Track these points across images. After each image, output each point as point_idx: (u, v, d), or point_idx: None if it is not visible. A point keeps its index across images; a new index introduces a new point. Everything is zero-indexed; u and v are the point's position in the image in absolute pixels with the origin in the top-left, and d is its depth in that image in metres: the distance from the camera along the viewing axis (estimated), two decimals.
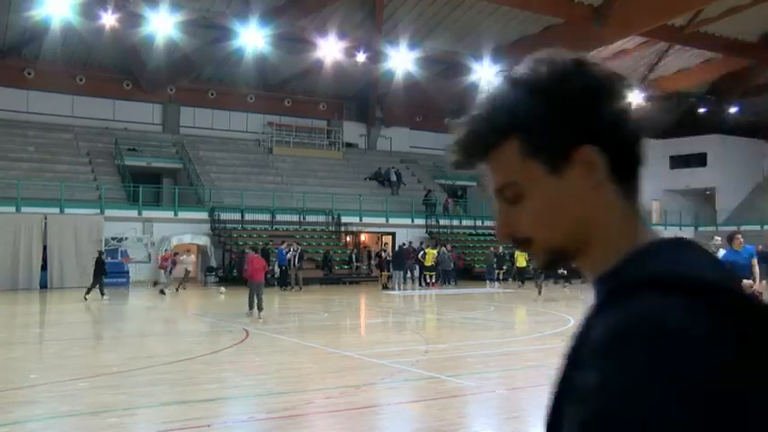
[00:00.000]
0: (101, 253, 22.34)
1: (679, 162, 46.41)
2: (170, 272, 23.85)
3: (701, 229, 43.34)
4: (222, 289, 24.29)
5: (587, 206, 0.87)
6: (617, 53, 36.46)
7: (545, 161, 0.86)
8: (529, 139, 0.86)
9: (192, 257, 25.33)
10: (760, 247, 26.52)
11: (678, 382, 0.70)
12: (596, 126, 0.86)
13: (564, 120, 0.86)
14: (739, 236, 11.77)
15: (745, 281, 11.33)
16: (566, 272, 25.02)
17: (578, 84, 0.87)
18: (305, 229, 32.05)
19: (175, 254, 25.57)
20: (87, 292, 20.95)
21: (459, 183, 41.49)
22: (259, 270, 16.57)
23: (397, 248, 30.41)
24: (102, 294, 21.03)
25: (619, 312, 0.77)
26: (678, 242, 0.87)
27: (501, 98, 0.89)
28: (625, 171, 0.88)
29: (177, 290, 23.46)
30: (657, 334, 0.73)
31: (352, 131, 41.55)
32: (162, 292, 22.84)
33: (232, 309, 18.82)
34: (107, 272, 22.08)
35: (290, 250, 26.16)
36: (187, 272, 24.86)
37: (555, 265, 0.94)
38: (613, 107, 0.87)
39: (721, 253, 12.36)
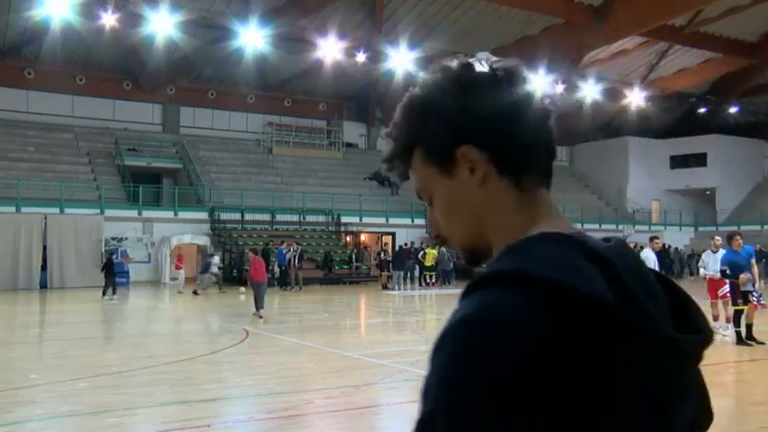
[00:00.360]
0: (111, 253, 22.42)
1: (679, 162, 46.43)
2: (202, 272, 23.77)
3: (700, 229, 43.36)
4: (242, 289, 24.09)
5: (478, 203, 0.91)
6: (617, 53, 36.48)
7: (436, 165, 0.92)
8: (423, 147, 0.93)
9: (217, 258, 25.27)
10: (759, 246, 26.57)
11: (478, 378, 0.72)
12: (470, 125, 0.90)
13: (441, 124, 0.91)
14: (738, 237, 11.89)
15: (742, 275, 11.51)
16: None
17: (450, 88, 0.92)
18: (305, 229, 32.05)
19: (210, 255, 25.45)
20: (104, 293, 21.06)
21: None
22: (260, 270, 16.63)
23: (397, 248, 30.41)
24: (114, 293, 21.14)
25: (456, 309, 0.79)
26: (549, 237, 0.86)
27: (399, 114, 0.97)
28: (514, 165, 0.90)
29: (196, 292, 23.22)
30: (472, 329, 0.75)
31: (352, 131, 41.55)
32: (195, 292, 22.76)
33: (233, 309, 18.83)
34: (116, 272, 22.03)
35: (289, 250, 26.15)
36: (219, 271, 24.90)
37: (475, 262, 0.97)
38: (488, 106, 0.90)
39: (721, 253, 12.47)
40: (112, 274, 21.33)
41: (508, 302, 0.76)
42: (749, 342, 11.46)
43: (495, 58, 0.95)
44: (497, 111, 0.90)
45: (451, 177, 0.91)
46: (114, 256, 22.55)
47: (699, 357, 0.88)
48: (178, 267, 24.53)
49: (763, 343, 11.40)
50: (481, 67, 0.93)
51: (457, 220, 0.94)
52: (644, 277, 0.86)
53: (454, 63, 0.95)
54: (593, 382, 0.73)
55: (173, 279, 27.42)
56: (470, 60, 0.94)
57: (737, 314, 11.66)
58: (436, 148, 0.92)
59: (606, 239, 0.93)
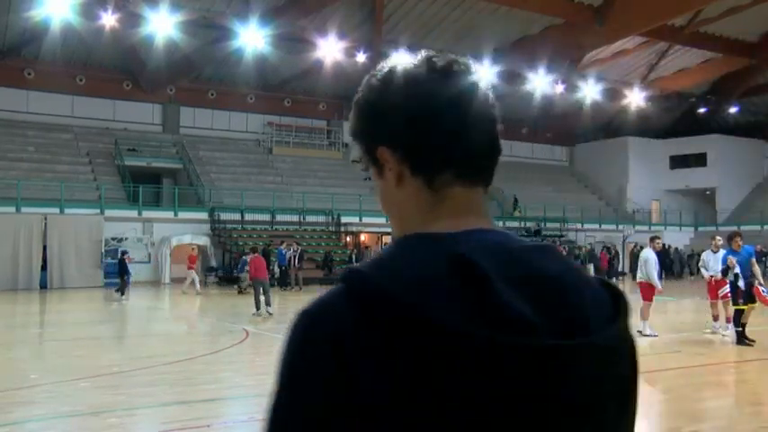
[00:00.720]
0: (123, 253, 22.40)
1: (679, 162, 46.42)
2: (240, 271, 23.42)
3: (700, 229, 43.34)
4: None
5: (397, 202, 0.95)
6: (617, 53, 36.47)
7: (371, 164, 0.96)
8: (361, 148, 0.98)
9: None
10: (759, 247, 26.57)
11: (282, 362, 0.83)
12: (383, 127, 0.93)
13: (365, 125, 0.96)
14: (738, 237, 12.01)
15: (730, 257, 11.71)
16: None
17: (377, 89, 0.95)
18: (305, 230, 32.04)
19: (244, 253, 24.84)
20: (122, 294, 21.06)
21: None
22: (261, 268, 16.69)
23: None
24: (122, 294, 21.17)
25: None
26: (413, 239, 0.87)
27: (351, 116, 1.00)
28: (425, 165, 0.91)
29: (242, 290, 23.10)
30: (296, 319, 0.84)
31: None
32: (241, 290, 22.68)
33: (233, 309, 18.82)
34: (129, 272, 21.97)
35: (289, 250, 26.14)
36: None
37: None
38: (402, 107, 0.91)
39: (721, 253, 12.53)
40: (125, 273, 21.33)
41: (327, 301, 0.83)
42: (749, 342, 11.47)
43: (438, 57, 0.95)
44: (410, 112, 0.91)
45: (381, 177, 0.95)
46: (126, 257, 22.43)
47: (606, 363, 0.84)
48: (190, 268, 24.21)
49: (754, 341, 11.44)
50: (415, 66, 0.95)
51: (390, 217, 0.98)
52: (540, 285, 0.83)
53: (390, 62, 0.97)
54: (380, 385, 0.76)
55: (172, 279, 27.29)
56: (406, 59, 0.96)
57: (738, 314, 11.68)
58: (365, 149, 0.96)
59: (521, 242, 0.91)
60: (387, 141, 0.92)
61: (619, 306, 0.89)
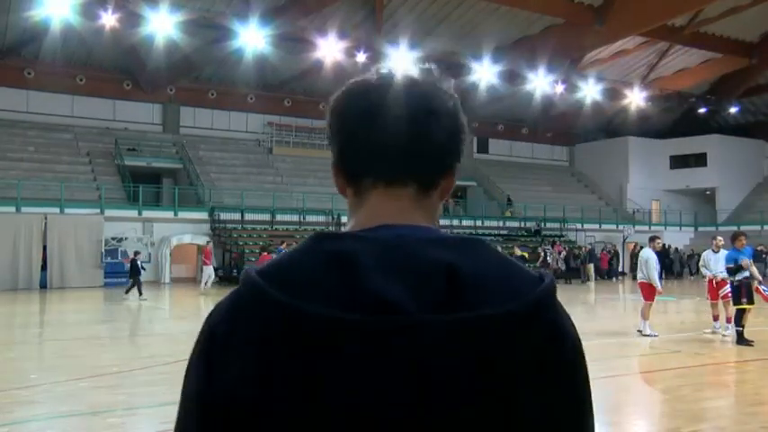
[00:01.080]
0: (136, 253, 22.45)
1: (679, 162, 46.42)
2: None
3: (700, 229, 43.33)
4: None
5: (348, 209, 1.02)
6: (617, 53, 36.46)
7: None
8: None
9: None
10: (759, 247, 26.57)
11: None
12: (330, 140, 1.02)
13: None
14: (743, 237, 12.08)
15: (744, 260, 11.77)
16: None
17: (339, 102, 1.02)
18: (305, 230, 32.01)
19: (267, 249, 24.22)
20: (140, 294, 21.07)
21: (459, 183, 41.36)
22: None
23: None
24: (127, 293, 21.26)
25: None
26: (312, 238, 0.92)
27: None
28: (349, 174, 0.99)
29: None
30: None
31: None
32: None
33: None
34: (141, 272, 21.89)
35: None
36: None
37: None
38: (336, 121, 1.01)
39: (722, 253, 12.56)
40: (137, 273, 21.38)
41: (222, 299, 0.94)
42: (750, 342, 11.48)
43: (385, 72, 1.00)
44: (339, 125, 1.00)
45: None
46: (138, 257, 22.40)
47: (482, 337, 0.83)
48: (206, 263, 23.91)
49: (752, 341, 11.46)
50: (344, 86, 1.02)
51: None
52: (418, 272, 0.85)
53: (351, 81, 1.03)
54: (247, 374, 0.84)
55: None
56: (366, 74, 1.01)
57: (740, 313, 11.67)
58: None
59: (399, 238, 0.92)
60: (333, 154, 1.01)
61: (532, 297, 0.87)
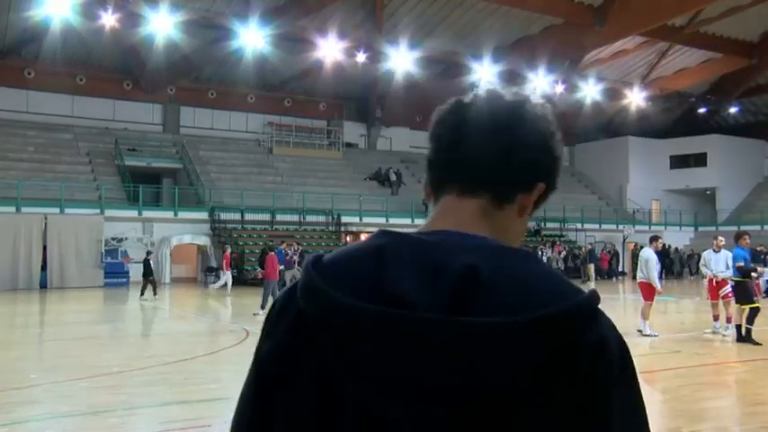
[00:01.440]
0: (148, 253, 22.41)
1: (679, 162, 46.41)
2: (290, 267, 22.91)
3: (701, 228, 43.34)
4: None
5: None
6: (617, 53, 36.47)
7: None
8: None
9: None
10: (759, 247, 26.55)
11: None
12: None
13: None
14: (747, 236, 12.27)
15: (760, 268, 12.00)
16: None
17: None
18: (305, 229, 32.04)
19: (272, 249, 24.02)
20: (154, 293, 21.09)
21: None
22: (276, 269, 16.52)
23: None
24: (142, 294, 21.21)
25: None
26: (374, 234, 0.97)
27: None
28: (430, 182, 1.06)
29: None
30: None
31: (352, 131, 41.53)
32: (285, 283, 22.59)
33: (233, 309, 18.82)
34: (152, 273, 21.89)
35: (290, 250, 26.08)
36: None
37: None
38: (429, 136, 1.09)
39: (723, 253, 12.62)
40: (149, 273, 21.36)
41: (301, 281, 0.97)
42: (754, 341, 11.47)
43: (481, 91, 1.06)
44: (430, 135, 1.06)
45: None
46: (150, 257, 22.35)
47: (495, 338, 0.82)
48: (227, 268, 23.92)
49: (760, 344, 11.43)
50: (461, 98, 1.07)
51: None
52: (443, 274, 0.87)
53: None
54: (284, 346, 0.92)
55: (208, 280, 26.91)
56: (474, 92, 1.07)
57: (754, 312, 11.65)
58: None
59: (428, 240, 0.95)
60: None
61: (551, 311, 0.83)
